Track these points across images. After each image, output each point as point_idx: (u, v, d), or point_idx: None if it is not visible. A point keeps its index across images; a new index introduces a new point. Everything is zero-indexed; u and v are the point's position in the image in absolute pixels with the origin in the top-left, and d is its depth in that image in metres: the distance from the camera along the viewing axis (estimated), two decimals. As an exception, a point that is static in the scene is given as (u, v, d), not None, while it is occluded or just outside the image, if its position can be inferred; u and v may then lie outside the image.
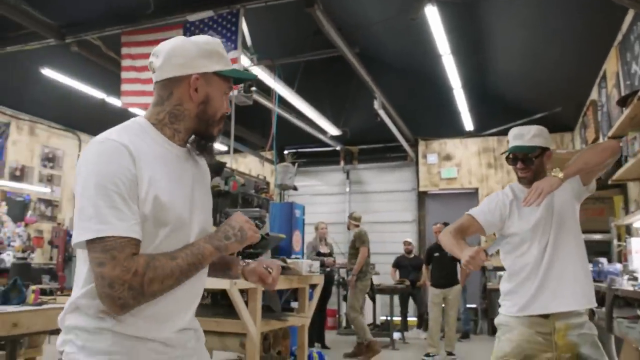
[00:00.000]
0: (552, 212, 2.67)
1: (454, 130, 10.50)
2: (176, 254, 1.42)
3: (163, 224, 1.43)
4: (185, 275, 1.42)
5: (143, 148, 1.44)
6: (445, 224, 8.84)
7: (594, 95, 7.59)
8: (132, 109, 6.92)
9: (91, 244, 1.32)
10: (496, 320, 2.80)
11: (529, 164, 2.69)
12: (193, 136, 1.58)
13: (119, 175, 1.35)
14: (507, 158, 2.80)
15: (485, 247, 2.44)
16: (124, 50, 6.31)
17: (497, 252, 2.81)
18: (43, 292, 3.05)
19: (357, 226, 7.95)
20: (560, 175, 2.46)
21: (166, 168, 1.48)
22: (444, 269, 7.40)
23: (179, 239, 1.47)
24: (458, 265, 7.29)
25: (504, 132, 10.23)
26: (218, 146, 11.07)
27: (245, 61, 6.58)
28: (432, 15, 5.85)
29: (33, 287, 2.79)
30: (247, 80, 1.66)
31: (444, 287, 7.34)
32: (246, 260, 1.80)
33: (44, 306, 2.67)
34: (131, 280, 1.31)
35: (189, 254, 1.43)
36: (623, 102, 4.70)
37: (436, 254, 7.54)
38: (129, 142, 1.41)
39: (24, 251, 8.70)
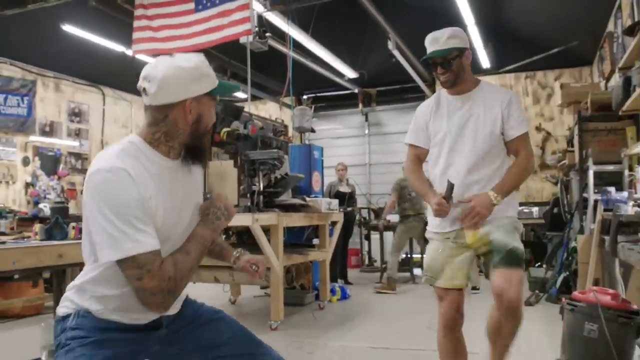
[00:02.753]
0: (473, 119, 2.69)
1: (471, 67, 10.42)
2: (188, 248, 1.68)
3: (163, 232, 1.66)
4: (198, 261, 1.70)
5: (141, 170, 1.61)
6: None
7: (610, 27, 7.50)
8: (140, 56, 7.08)
9: (124, 262, 1.53)
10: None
11: (448, 67, 2.65)
12: (185, 150, 1.75)
13: (130, 201, 1.54)
14: (426, 64, 2.78)
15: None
16: (138, 1, 6.45)
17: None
18: (81, 230, 3.34)
19: None
20: (498, 199, 2.56)
21: (162, 186, 1.67)
22: None
23: (165, 249, 1.65)
24: None
25: (522, 69, 10.25)
26: (237, 94, 11.24)
27: (258, 6, 6.67)
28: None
29: (73, 224, 3.10)
30: (232, 92, 1.91)
31: None
32: (237, 250, 2.07)
33: (84, 240, 2.97)
34: (168, 285, 1.57)
35: (196, 244, 1.70)
36: (630, 30, 4.70)
37: None
38: (130, 167, 1.58)
39: (59, 203, 9.13)
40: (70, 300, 1.69)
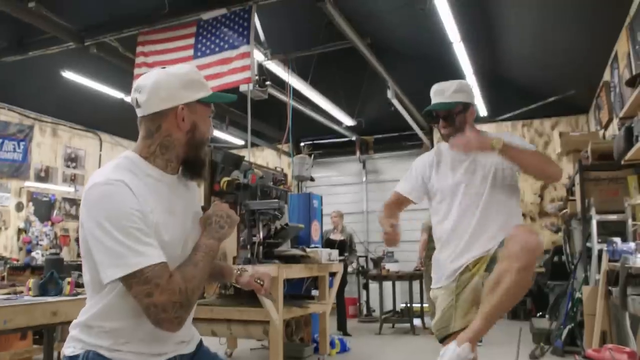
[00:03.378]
0: (478, 174, 2.60)
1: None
2: (196, 259, 1.57)
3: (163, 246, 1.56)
4: (207, 273, 1.60)
5: (138, 184, 1.53)
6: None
7: (606, 76, 7.59)
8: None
9: (131, 278, 1.41)
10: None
11: (451, 122, 2.58)
12: (182, 165, 1.68)
13: (131, 212, 1.45)
14: (429, 116, 2.71)
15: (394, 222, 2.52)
16: (139, 49, 6.49)
17: None
18: (77, 284, 3.23)
19: None
20: (498, 146, 2.37)
21: (161, 201, 1.58)
22: None
23: (172, 266, 1.55)
24: None
25: (519, 117, 10.33)
26: (235, 140, 11.25)
27: (258, 56, 6.72)
28: (441, 3, 5.92)
29: (68, 279, 2.98)
30: (228, 102, 1.79)
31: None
32: (239, 268, 1.97)
33: (80, 296, 2.85)
34: (179, 299, 1.46)
35: (204, 255, 1.59)
36: (632, 82, 4.74)
37: None
38: (127, 180, 1.50)
39: (52, 249, 8.98)
40: (77, 340, 1.55)
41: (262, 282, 1.91)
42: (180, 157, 1.66)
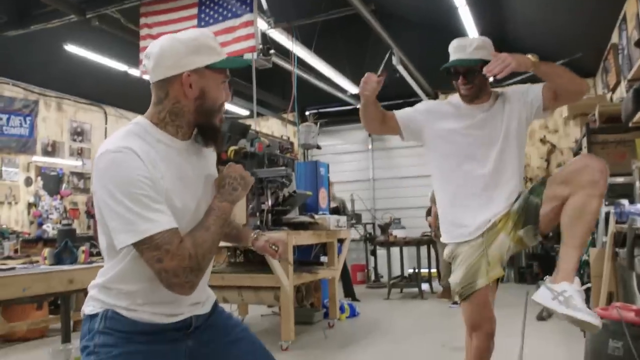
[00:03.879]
0: (492, 129, 2.51)
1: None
2: (207, 224, 1.56)
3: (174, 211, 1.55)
4: (220, 235, 1.59)
5: (148, 150, 1.53)
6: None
7: (614, 38, 7.49)
8: (146, 76, 7.09)
9: (141, 245, 1.44)
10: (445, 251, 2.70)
11: (472, 79, 2.45)
12: (196, 130, 1.66)
13: (140, 179, 1.45)
14: (447, 73, 2.55)
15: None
16: (142, 21, 6.44)
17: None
18: (91, 253, 3.28)
19: None
20: (534, 59, 2.27)
21: (172, 167, 1.57)
22: None
23: (184, 231, 1.56)
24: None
25: (525, 81, 10.15)
26: (240, 110, 11.23)
27: (262, 24, 6.66)
28: (446, -33, 5.84)
29: (82, 247, 3.03)
30: (242, 67, 1.75)
31: None
32: (255, 232, 1.99)
33: (94, 264, 2.91)
34: (190, 264, 1.46)
35: (216, 218, 1.58)
36: (640, 42, 4.69)
37: None
38: (137, 147, 1.50)
39: (64, 221, 9.09)
40: (97, 299, 1.60)
41: (276, 248, 1.92)
42: (192, 124, 1.64)
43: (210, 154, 1.80)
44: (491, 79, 2.54)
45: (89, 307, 1.61)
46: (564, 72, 2.41)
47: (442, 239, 2.69)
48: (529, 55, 2.27)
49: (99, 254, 3.37)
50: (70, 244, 2.96)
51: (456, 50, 2.50)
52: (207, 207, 1.64)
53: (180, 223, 1.53)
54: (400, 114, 2.67)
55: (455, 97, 2.64)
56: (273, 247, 1.92)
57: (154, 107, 1.63)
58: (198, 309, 1.72)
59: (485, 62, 2.35)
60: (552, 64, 2.40)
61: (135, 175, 1.45)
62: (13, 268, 2.68)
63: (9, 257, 3.65)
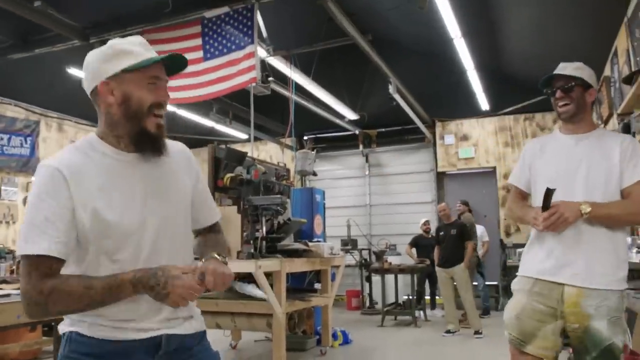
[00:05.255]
0: (586, 163, 2.36)
1: (470, 110, 10.57)
2: (94, 283, 1.45)
3: (105, 236, 1.51)
4: (100, 302, 1.46)
5: (86, 166, 1.52)
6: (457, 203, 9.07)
7: (607, 71, 7.62)
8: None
9: (22, 259, 1.47)
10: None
11: (569, 92, 2.41)
12: (131, 140, 1.58)
13: (50, 196, 1.46)
14: (546, 92, 2.53)
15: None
16: (148, 48, 6.55)
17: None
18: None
19: (470, 211, 8.85)
20: (587, 209, 2.21)
21: (111, 179, 1.54)
22: (447, 248, 7.57)
23: (127, 249, 1.53)
24: (467, 244, 7.47)
25: (520, 111, 10.38)
26: (239, 134, 11.34)
27: (261, 52, 6.78)
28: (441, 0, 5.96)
29: None
30: (154, 62, 1.57)
31: (445, 266, 7.52)
32: (211, 257, 1.63)
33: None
34: (36, 297, 1.43)
35: (106, 285, 1.45)
36: (629, 79, 4.78)
37: (441, 233, 7.71)
38: (69, 163, 1.50)
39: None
40: (67, 317, 1.59)
41: (202, 278, 1.51)
42: (129, 133, 1.58)
43: (176, 161, 1.71)
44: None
45: (60, 327, 1.62)
46: (621, 215, 2.30)
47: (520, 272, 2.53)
48: (582, 206, 2.23)
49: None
50: None
51: (557, 70, 2.53)
52: (168, 227, 1.60)
53: (132, 234, 1.53)
54: (515, 182, 2.63)
55: (555, 131, 2.62)
56: (199, 276, 1.51)
57: (99, 121, 1.63)
58: (173, 326, 1.60)
59: (584, 84, 2.43)
60: (605, 210, 2.27)
61: (45, 191, 1.47)
62: (8, 295, 2.72)
63: (4, 281, 3.69)
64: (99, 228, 1.49)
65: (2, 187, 8.89)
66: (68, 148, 1.59)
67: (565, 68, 2.49)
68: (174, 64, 1.65)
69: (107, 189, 1.52)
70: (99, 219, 1.49)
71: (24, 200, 9.19)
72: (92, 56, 1.59)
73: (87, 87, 1.60)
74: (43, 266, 1.44)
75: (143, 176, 1.59)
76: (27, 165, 9.26)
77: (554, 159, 2.45)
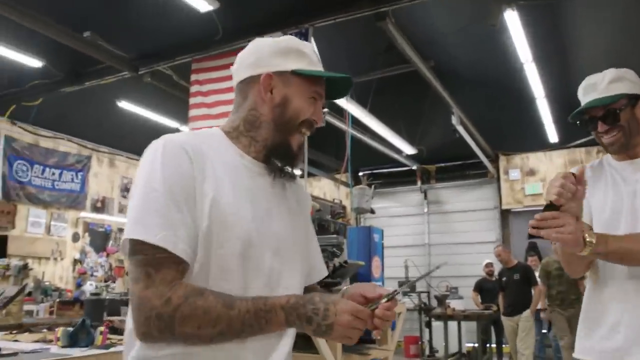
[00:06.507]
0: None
1: (537, 142, 9.93)
2: (236, 304, 1.10)
3: (224, 240, 1.17)
4: (236, 332, 1.10)
5: (208, 152, 1.23)
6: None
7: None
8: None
9: (131, 255, 1.11)
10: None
11: (614, 122, 1.80)
12: (266, 149, 1.31)
13: (174, 178, 1.15)
14: (580, 123, 1.93)
15: None
16: (193, 77, 6.31)
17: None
18: (114, 330, 2.90)
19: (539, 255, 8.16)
20: (589, 240, 1.60)
21: (233, 178, 1.24)
22: (511, 295, 6.99)
23: (243, 263, 1.18)
24: (534, 289, 6.77)
25: (593, 143, 9.62)
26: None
27: (315, 82, 6.43)
28: (513, 21, 5.46)
29: (101, 328, 2.65)
30: (339, 79, 1.36)
31: (511, 314, 6.96)
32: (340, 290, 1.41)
33: (112, 349, 2.51)
34: (161, 308, 1.05)
35: (252, 308, 1.10)
36: None
37: (503, 279, 7.07)
38: (192, 145, 1.21)
39: (106, 281, 8.87)
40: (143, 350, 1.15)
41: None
42: (267, 140, 1.31)
43: (299, 195, 1.44)
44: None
45: None
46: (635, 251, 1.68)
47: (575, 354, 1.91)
48: (586, 234, 1.60)
49: (120, 332, 2.99)
50: (88, 324, 2.59)
51: (586, 92, 1.89)
52: (271, 256, 1.24)
53: (251, 245, 1.19)
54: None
55: (606, 156, 1.98)
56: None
57: (231, 116, 1.37)
58: None
59: (630, 98, 1.82)
60: (618, 242, 1.67)
61: (169, 171, 1.16)
62: (16, 354, 2.31)
63: (27, 330, 3.31)
64: (217, 230, 1.17)
65: (52, 223, 8.77)
66: (186, 132, 1.38)
67: (595, 87, 1.85)
68: (333, 90, 1.40)
69: (228, 187, 1.22)
70: (221, 219, 1.18)
71: (73, 237, 9.06)
72: (263, 42, 1.36)
73: (243, 73, 1.34)
74: (167, 268, 1.10)
75: (266, 192, 1.31)
76: (76, 200, 9.14)
77: (611, 192, 1.85)
